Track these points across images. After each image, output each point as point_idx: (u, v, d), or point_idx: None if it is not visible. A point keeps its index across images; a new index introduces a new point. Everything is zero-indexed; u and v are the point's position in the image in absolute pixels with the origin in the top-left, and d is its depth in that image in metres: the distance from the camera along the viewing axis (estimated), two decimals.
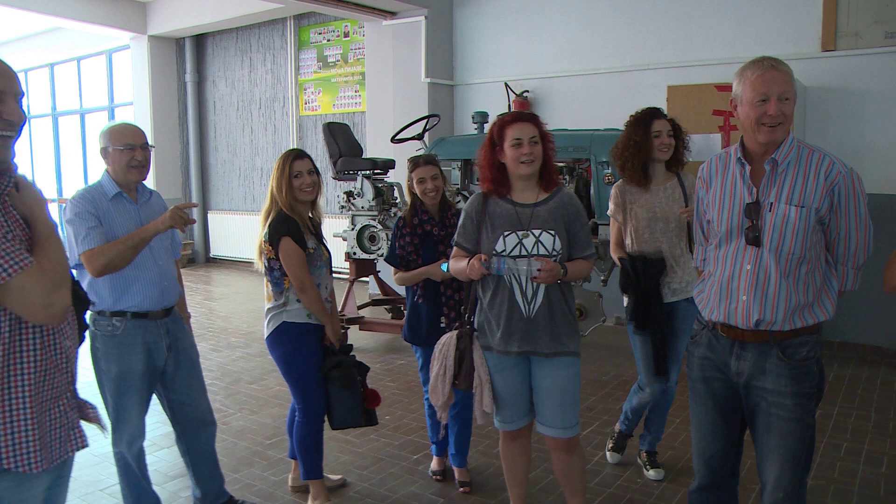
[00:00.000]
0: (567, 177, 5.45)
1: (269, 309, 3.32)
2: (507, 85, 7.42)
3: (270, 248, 3.22)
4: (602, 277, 5.48)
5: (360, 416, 3.39)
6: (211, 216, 11.44)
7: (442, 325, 3.42)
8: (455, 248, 2.95)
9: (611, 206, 3.67)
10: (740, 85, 2.29)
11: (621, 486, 3.65)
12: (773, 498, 2.36)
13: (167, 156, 11.26)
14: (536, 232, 2.79)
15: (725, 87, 5.49)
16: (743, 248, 2.32)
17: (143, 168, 2.97)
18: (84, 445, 1.86)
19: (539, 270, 2.69)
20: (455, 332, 2.96)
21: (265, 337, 3.34)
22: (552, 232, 2.79)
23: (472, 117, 6.88)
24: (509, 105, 7.38)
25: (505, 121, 2.83)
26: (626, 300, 3.60)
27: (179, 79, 11.43)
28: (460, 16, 7.99)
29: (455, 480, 3.66)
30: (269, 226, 3.23)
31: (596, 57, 7.07)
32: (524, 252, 2.77)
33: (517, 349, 2.83)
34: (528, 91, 7.43)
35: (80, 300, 1.98)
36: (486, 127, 6.42)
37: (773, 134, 2.25)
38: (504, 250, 2.79)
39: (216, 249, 11.45)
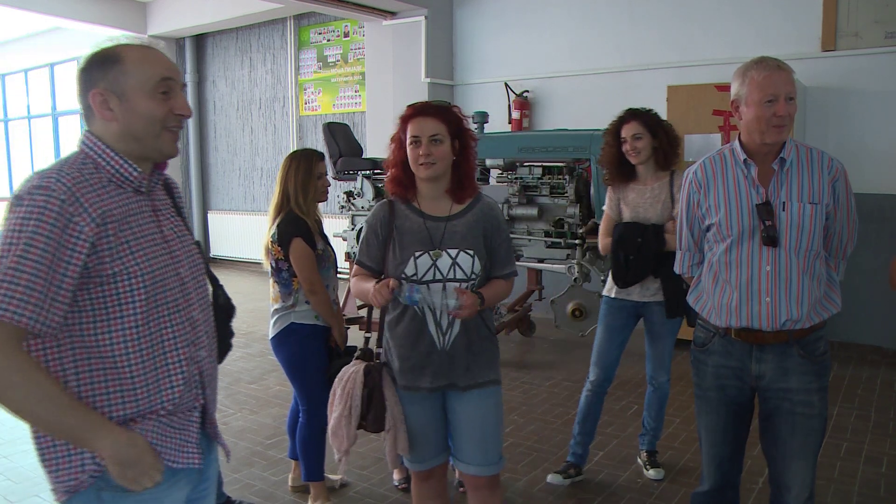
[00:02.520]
0: (567, 177, 5.44)
1: (276, 310, 3.32)
2: (506, 85, 7.42)
3: (280, 248, 3.21)
4: (602, 277, 5.47)
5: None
6: (211, 216, 11.44)
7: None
8: (357, 266, 2.53)
9: (606, 202, 3.66)
10: (744, 86, 2.29)
11: (621, 487, 3.65)
12: (800, 499, 2.38)
13: None
14: (452, 252, 2.39)
15: (725, 88, 5.45)
16: (758, 249, 2.31)
17: None
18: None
19: (460, 308, 2.31)
20: (361, 366, 2.47)
21: (270, 337, 3.34)
22: (470, 252, 2.40)
23: (472, 117, 6.87)
24: (509, 105, 7.38)
25: (406, 114, 2.43)
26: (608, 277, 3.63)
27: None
28: (460, 16, 7.99)
29: (455, 480, 3.66)
30: (279, 226, 3.22)
31: (596, 56, 7.07)
32: (438, 275, 2.38)
33: (430, 385, 2.45)
34: (528, 91, 7.43)
35: (223, 307, 2.04)
36: (486, 127, 6.43)
37: (781, 134, 2.27)
38: (415, 274, 2.38)
39: (216, 249, 11.44)
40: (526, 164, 5.71)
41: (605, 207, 3.68)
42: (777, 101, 2.23)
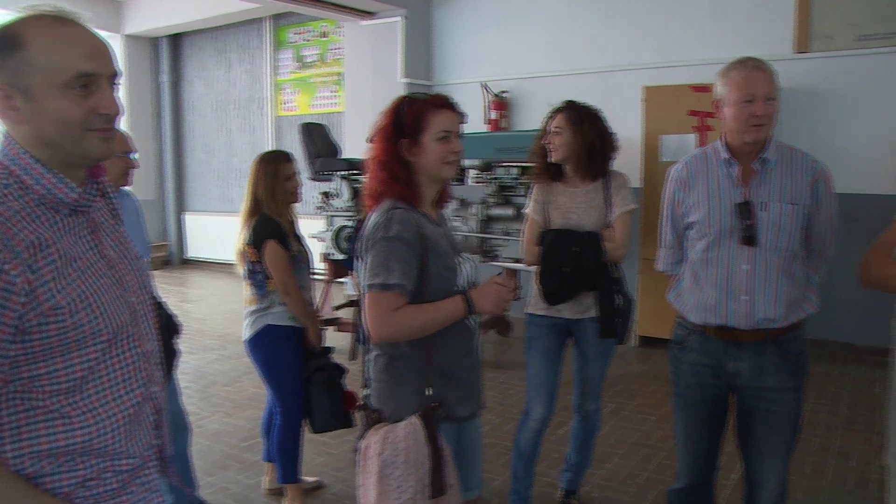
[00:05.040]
0: None
1: (250, 312, 3.29)
2: (483, 85, 7.42)
3: (254, 251, 3.19)
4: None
5: (341, 419, 3.38)
6: (187, 217, 11.34)
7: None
8: (389, 293, 1.94)
9: (531, 204, 3.19)
10: (725, 86, 2.32)
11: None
12: (772, 495, 2.43)
13: (142, 156, 11.13)
14: (465, 256, 2.17)
15: (701, 88, 5.54)
16: (737, 248, 2.33)
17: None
18: None
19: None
20: (419, 415, 1.97)
21: (245, 339, 3.31)
22: (471, 257, 2.22)
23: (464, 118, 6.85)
24: (486, 105, 7.39)
25: (431, 103, 2.06)
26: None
27: (155, 79, 11.32)
28: (438, 16, 7.99)
29: None
30: (254, 229, 3.20)
31: (574, 57, 7.09)
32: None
33: (478, 408, 2.19)
34: (506, 91, 7.44)
35: (165, 328, 1.80)
36: (464, 127, 6.41)
37: (759, 133, 2.29)
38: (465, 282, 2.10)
39: (192, 251, 11.35)
40: (503, 164, 5.72)
41: (527, 210, 3.21)
42: (755, 101, 2.25)
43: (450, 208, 5.97)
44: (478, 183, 5.90)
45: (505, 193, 5.66)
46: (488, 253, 5.84)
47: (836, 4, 5.91)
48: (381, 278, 1.93)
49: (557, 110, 3.12)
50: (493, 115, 7.37)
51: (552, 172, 3.14)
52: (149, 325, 1.44)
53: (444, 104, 2.06)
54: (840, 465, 3.83)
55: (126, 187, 2.87)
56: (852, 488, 3.58)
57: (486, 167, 5.74)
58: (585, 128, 3.03)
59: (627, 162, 6.06)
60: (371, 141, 2.09)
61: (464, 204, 5.88)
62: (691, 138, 5.64)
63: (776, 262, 2.30)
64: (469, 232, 5.81)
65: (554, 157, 3.08)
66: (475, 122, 7.18)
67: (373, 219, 2.03)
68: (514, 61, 7.46)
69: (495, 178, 5.64)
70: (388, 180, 2.03)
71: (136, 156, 2.87)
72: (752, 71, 2.28)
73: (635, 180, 5.93)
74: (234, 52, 10.54)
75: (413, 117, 2.02)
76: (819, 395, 4.88)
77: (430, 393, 2.00)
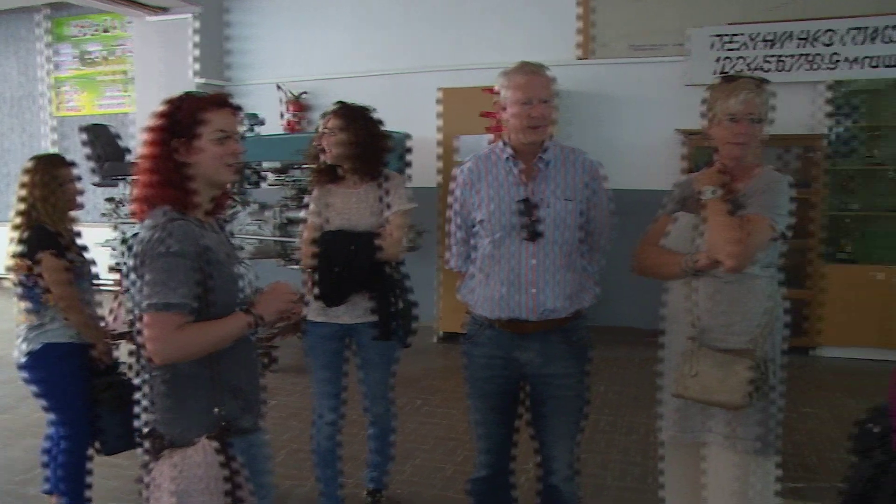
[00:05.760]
0: None
1: (25, 330, 3.01)
2: (280, 86, 7.28)
3: (27, 263, 2.93)
4: None
5: (133, 439, 3.16)
6: None
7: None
8: (170, 313, 1.81)
9: (310, 207, 3.19)
10: (507, 89, 2.42)
11: None
12: (563, 474, 2.56)
13: None
14: (244, 263, 2.14)
15: (493, 91, 5.75)
16: (523, 243, 2.42)
17: None
18: None
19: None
20: (212, 436, 1.88)
21: (19, 361, 3.02)
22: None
23: (244, 119, 6.66)
24: (284, 106, 7.25)
25: (209, 101, 1.94)
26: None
27: None
28: (233, 14, 7.73)
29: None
30: (28, 239, 2.95)
31: (373, 58, 7.14)
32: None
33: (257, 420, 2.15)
34: (304, 92, 7.34)
35: None
36: (262, 129, 6.27)
37: (538, 134, 2.40)
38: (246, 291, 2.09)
39: None
40: (301, 166, 5.63)
41: (306, 213, 3.22)
42: (534, 103, 2.37)
43: (247, 212, 5.79)
44: (276, 186, 5.78)
45: (304, 196, 5.56)
46: (287, 257, 5.73)
47: (613, 16, 6.48)
48: (162, 297, 1.80)
49: (331, 111, 3.12)
50: (291, 116, 7.26)
51: (329, 174, 3.14)
52: None
53: (223, 103, 1.96)
54: (627, 440, 4.15)
55: None
56: (638, 460, 3.90)
57: (284, 169, 5.64)
58: (357, 128, 3.04)
59: (425, 162, 6.21)
60: (142, 140, 1.94)
61: (261, 207, 5.73)
62: (486, 139, 5.86)
63: (558, 256, 2.43)
64: (267, 236, 5.66)
65: (329, 159, 3.09)
66: (273, 123, 7.03)
67: (146, 230, 1.87)
68: (312, 62, 7.39)
69: (293, 181, 5.56)
70: (160, 184, 1.89)
71: None
72: (531, 75, 2.41)
73: (432, 180, 6.09)
74: (2, 43, 9.56)
75: (189, 115, 1.90)
76: (608, 377, 5.26)
77: (222, 412, 1.90)
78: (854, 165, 6.04)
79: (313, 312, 3.09)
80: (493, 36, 6.70)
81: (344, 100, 3.17)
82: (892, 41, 5.88)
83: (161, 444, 1.89)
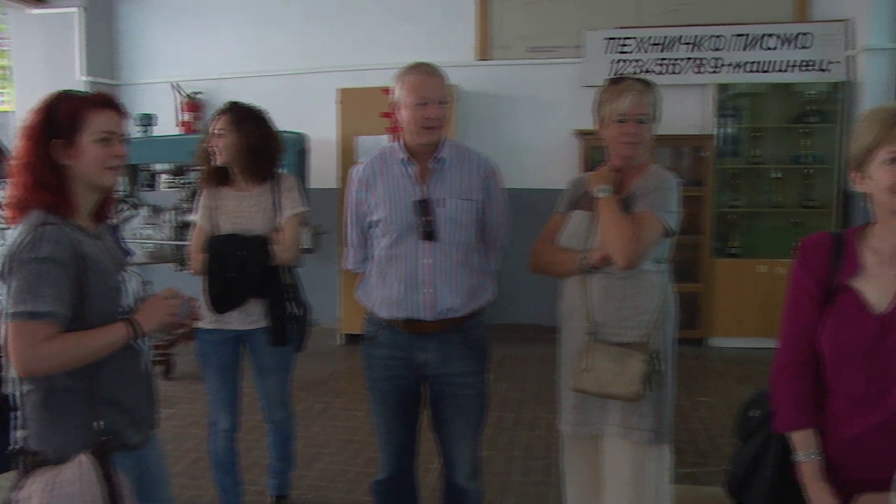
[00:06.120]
0: None
1: None
2: (174, 85, 7.05)
3: None
4: None
5: (7, 461, 2.97)
6: None
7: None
8: (38, 322, 1.69)
9: (200, 211, 3.10)
10: (401, 89, 2.41)
11: None
12: (466, 472, 2.57)
13: None
14: (131, 271, 1.97)
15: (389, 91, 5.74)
16: (419, 243, 2.42)
17: None
18: None
19: None
20: (90, 452, 1.76)
21: None
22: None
23: (134, 119, 6.37)
24: (178, 107, 7.02)
25: (91, 101, 1.85)
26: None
27: None
28: (123, 9, 7.42)
29: None
30: None
31: (269, 59, 7.00)
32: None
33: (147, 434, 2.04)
34: (199, 92, 7.12)
35: None
36: (155, 130, 6.04)
37: (433, 135, 2.41)
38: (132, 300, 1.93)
39: None
40: (197, 168, 5.45)
41: (195, 217, 3.14)
42: (428, 104, 2.37)
43: (141, 216, 5.57)
44: (170, 188, 5.59)
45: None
46: (184, 262, 5.54)
47: (511, 18, 6.59)
48: (29, 306, 1.69)
49: (221, 112, 3.06)
50: (186, 117, 7.02)
51: (219, 176, 3.07)
52: None
53: (107, 103, 1.87)
54: (530, 435, 4.22)
55: None
56: (541, 454, 3.96)
57: (179, 171, 5.45)
58: (248, 129, 2.98)
59: (324, 163, 6.14)
60: (17, 141, 1.82)
61: (156, 211, 5.53)
62: (385, 139, 5.83)
63: (455, 255, 2.45)
64: (162, 240, 5.47)
65: (219, 160, 3.02)
66: (167, 124, 6.77)
67: (17, 235, 1.76)
68: (208, 61, 7.17)
69: (189, 183, 5.37)
70: (35, 187, 1.78)
71: None
72: (425, 76, 2.41)
73: (332, 181, 6.02)
74: None
75: (68, 115, 1.80)
76: (510, 374, 5.34)
77: (101, 426, 1.79)
78: (740, 164, 6.34)
79: (205, 319, 2.96)
80: (392, 36, 6.68)
81: (234, 100, 3.11)
82: (770, 48, 6.22)
83: (33, 462, 1.77)
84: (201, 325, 2.93)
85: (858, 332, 1.69)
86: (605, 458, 2.43)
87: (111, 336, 1.79)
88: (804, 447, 1.75)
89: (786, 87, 6.26)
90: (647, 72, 6.26)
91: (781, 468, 1.81)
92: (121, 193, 5.64)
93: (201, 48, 7.19)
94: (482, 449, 2.66)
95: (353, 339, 6.25)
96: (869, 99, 5.73)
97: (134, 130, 6.76)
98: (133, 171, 5.75)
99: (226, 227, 3.01)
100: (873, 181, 1.66)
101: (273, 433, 3.26)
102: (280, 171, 3.13)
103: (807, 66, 6.17)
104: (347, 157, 6.06)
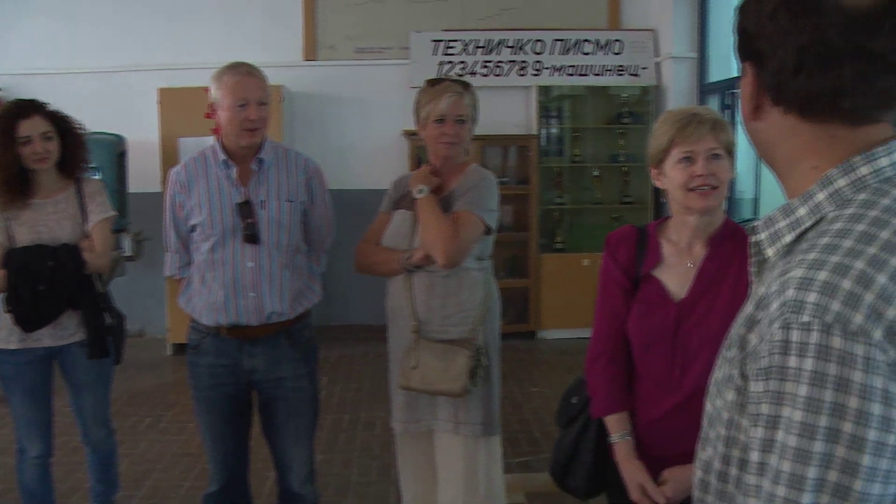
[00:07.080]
0: None
1: None
2: None
3: None
4: None
5: None
6: None
7: None
8: None
9: None
10: (219, 90, 2.35)
11: None
12: (300, 477, 2.54)
13: None
14: None
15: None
16: (241, 246, 2.36)
17: None
18: None
19: None
20: None
21: None
22: None
23: None
24: None
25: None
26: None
27: None
28: None
29: None
30: None
31: (80, 55, 6.54)
32: None
33: None
34: (0, 89, 6.55)
35: None
36: None
37: (254, 137, 2.38)
38: None
39: None
40: None
41: None
42: (248, 105, 2.32)
43: None
44: None
45: None
46: None
47: (337, 19, 6.56)
48: None
49: (30, 112, 2.71)
50: None
51: (25, 186, 2.74)
52: None
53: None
54: (367, 435, 4.23)
55: None
56: (378, 453, 3.97)
57: None
58: (69, 131, 2.79)
59: (146, 166, 5.86)
60: None
61: None
62: (209, 140, 5.63)
63: (279, 258, 2.41)
64: None
65: (42, 166, 2.73)
66: None
67: None
68: (9, 56, 6.59)
69: None
70: None
71: None
72: (244, 76, 2.36)
73: (155, 184, 5.73)
74: None
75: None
76: (345, 375, 5.32)
77: None
78: (563, 163, 6.66)
79: (8, 339, 2.74)
80: (216, 35, 6.44)
81: (26, 98, 2.82)
82: (586, 53, 6.58)
83: None
84: (3, 346, 2.72)
85: (660, 318, 1.82)
86: (437, 453, 2.49)
87: None
88: (617, 429, 1.87)
89: (602, 90, 6.65)
90: (473, 74, 6.44)
91: (599, 451, 1.92)
92: None
93: (3, 39, 6.60)
94: (317, 452, 2.63)
95: (182, 348, 5.93)
96: (674, 102, 6.20)
97: None
98: None
99: (24, 238, 2.73)
100: (669, 178, 1.79)
101: (91, 455, 3.05)
102: (83, 175, 2.91)
103: (620, 70, 6.58)
104: (169, 159, 5.77)
